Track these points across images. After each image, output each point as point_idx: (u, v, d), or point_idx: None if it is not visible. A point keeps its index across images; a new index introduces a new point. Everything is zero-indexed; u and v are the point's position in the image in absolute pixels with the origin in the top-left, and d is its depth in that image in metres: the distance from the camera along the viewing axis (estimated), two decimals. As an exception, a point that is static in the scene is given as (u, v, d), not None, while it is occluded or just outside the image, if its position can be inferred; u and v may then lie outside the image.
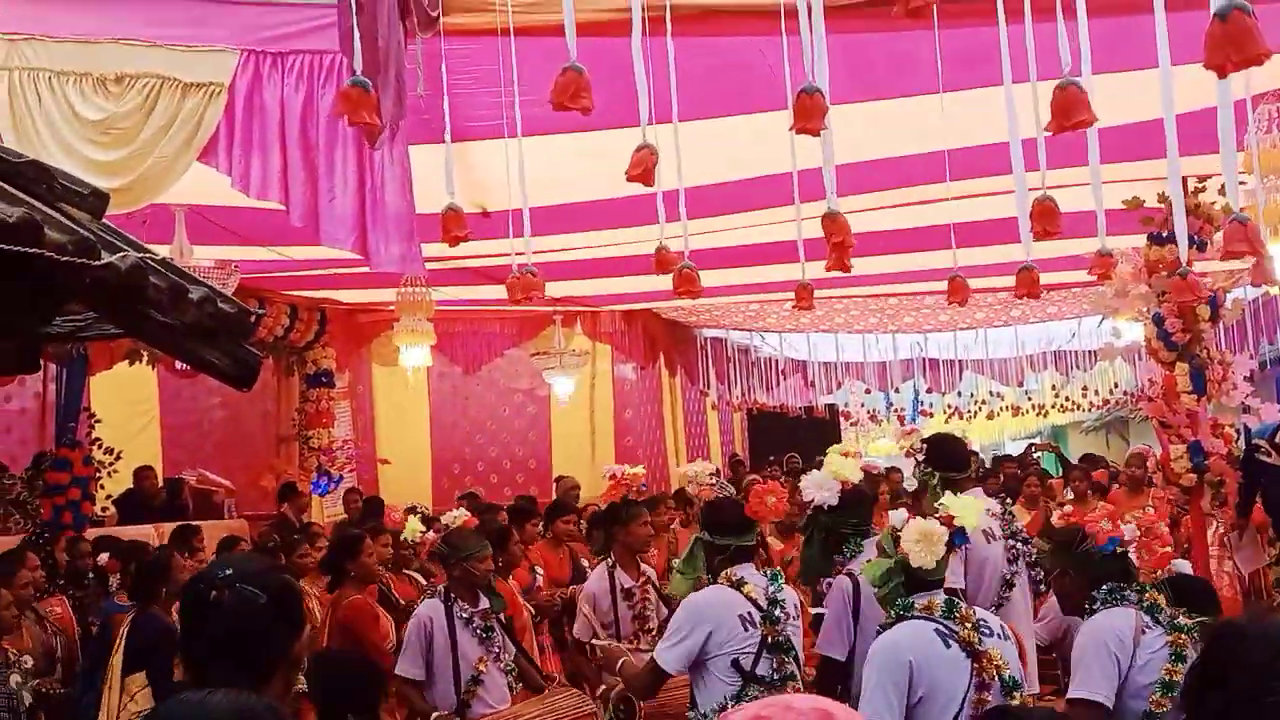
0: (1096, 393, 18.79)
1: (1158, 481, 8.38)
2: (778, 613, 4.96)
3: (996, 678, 3.98)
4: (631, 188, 4.87)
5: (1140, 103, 5.42)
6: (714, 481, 5.19)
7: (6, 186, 2.75)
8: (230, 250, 8.61)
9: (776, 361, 17.93)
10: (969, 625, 4.05)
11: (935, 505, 4.53)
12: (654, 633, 6.76)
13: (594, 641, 6.49)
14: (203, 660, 2.52)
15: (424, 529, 7.29)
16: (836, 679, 5.11)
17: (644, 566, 7.05)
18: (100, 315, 3.46)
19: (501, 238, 6.42)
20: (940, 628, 4.04)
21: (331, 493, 12.44)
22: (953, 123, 5.72)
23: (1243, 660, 1.80)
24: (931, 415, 19.65)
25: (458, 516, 6.57)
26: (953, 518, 4.23)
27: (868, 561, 4.49)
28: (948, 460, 6.04)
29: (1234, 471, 7.89)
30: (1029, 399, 19.05)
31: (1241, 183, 7.55)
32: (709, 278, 5.74)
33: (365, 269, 9.10)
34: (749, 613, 4.91)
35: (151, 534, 9.92)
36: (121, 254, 2.83)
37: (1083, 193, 5.99)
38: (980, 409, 19.11)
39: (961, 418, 19.08)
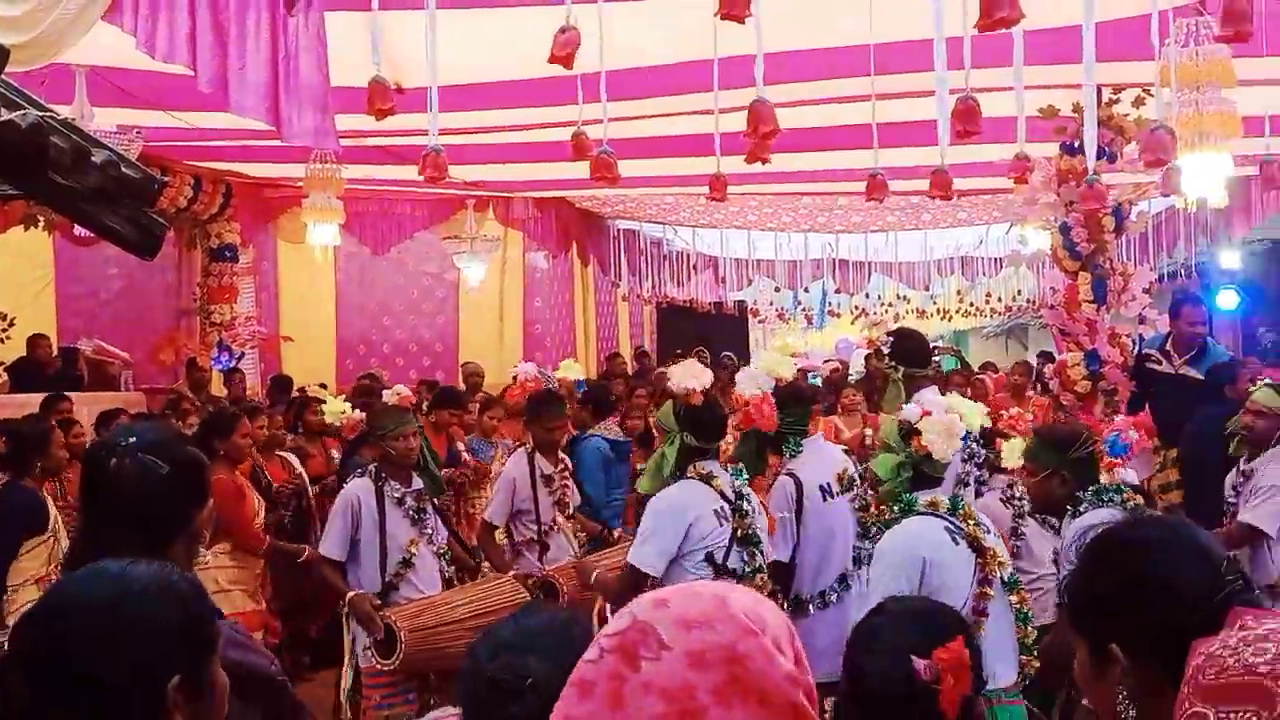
0: (1000, 299, 19.05)
1: (1054, 388, 8.58)
2: (745, 506, 4.97)
3: (998, 574, 4.01)
4: (552, 68, 4.78)
5: (1060, 7, 5.43)
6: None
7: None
8: (133, 114, 8.32)
9: (688, 256, 17.91)
10: (973, 522, 4.06)
11: (900, 403, 4.53)
12: (572, 517, 6.84)
13: (571, 561, 6.44)
14: (100, 528, 2.47)
15: (345, 409, 7.08)
16: (781, 579, 5.18)
17: (563, 456, 7.02)
18: (-3, 174, 3.33)
19: (417, 113, 6.28)
20: (949, 525, 4.05)
21: (233, 369, 12.26)
22: (879, 17, 5.68)
23: (1178, 569, 1.81)
24: (839, 316, 19.85)
25: (396, 392, 6.30)
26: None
27: (877, 455, 4.40)
28: (913, 356, 6.04)
29: (1127, 380, 8.10)
30: (934, 303, 19.30)
31: (1154, 95, 7.66)
32: (625, 168, 5.67)
33: (273, 141, 8.88)
34: (721, 507, 4.92)
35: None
36: (22, 111, 2.72)
37: (999, 99, 6.03)
38: (886, 311, 19.30)
39: (868, 319, 19.30)
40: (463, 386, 11.45)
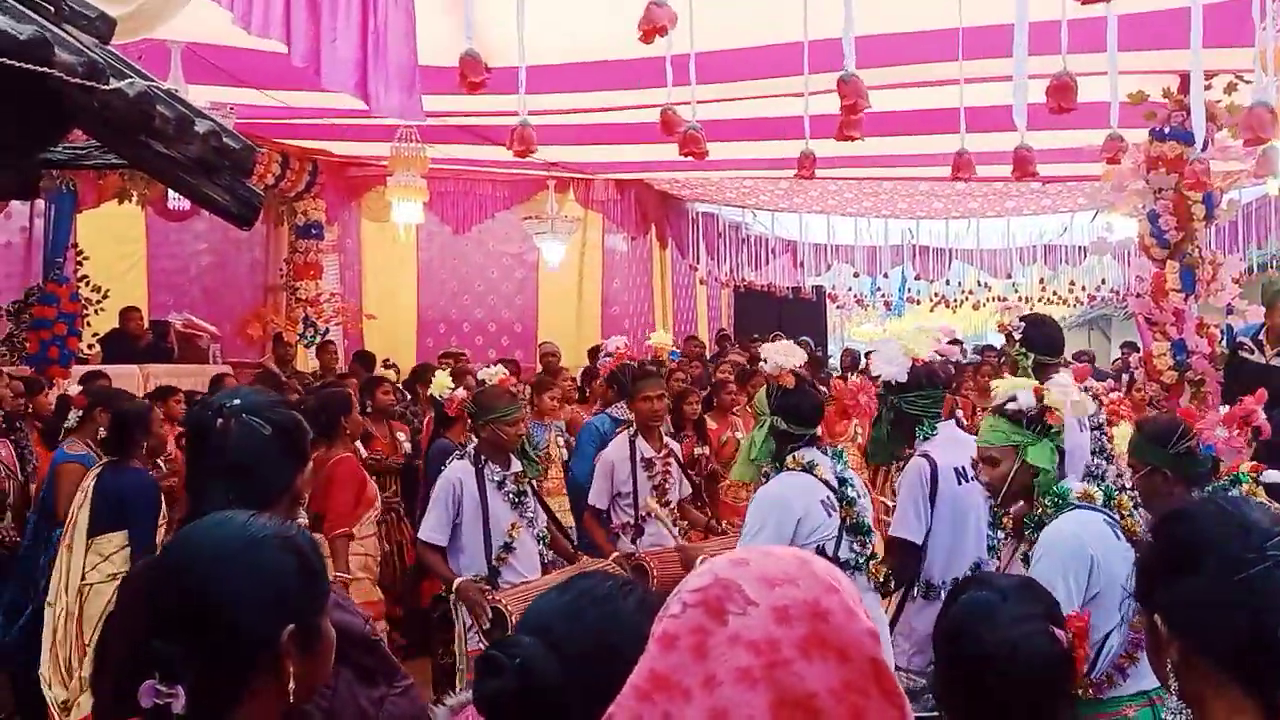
0: (1083, 288, 18.78)
1: (1139, 377, 8.46)
2: (850, 493, 4.84)
3: None
4: (639, 49, 4.81)
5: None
6: (800, 369, 4.97)
7: (15, 3, 2.70)
8: (225, 92, 8.48)
9: (767, 240, 17.88)
10: (1127, 513, 3.85)
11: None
12: (671, 505, 6.73)
13: (674, 545, 6.36)
14: (202, 487, 2.55)
15: (452, 385, 7.04)
16: (912, 562, 5.01)
17: (668, 440, 6.92)
18: (102, 144, 3.43)
19: (501, 94, 6.33)
20: (1107, 519, 3.84)
21: (326, 340, 12.47)
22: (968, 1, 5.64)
23: (1213, 542, 1.83)
24: (918, 303, 19.70)
25: (494, 374, 6.11)
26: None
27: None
28: (1044, 343, 5.79)
29: (1215, 371, 7.96)
30: (1016, 291, 19.05)
31: (1247, 81, 7.51)
32: (708, 150, 5.66)
33: (360, 120, 9.03)
34: (828, 497, 4.79)
35: (136, 374, 9.96)
36: (129, 80, 2.79)
37: (1088, 84, 5.95)
38: (967, 299, 19.12)
39: (948, 307, 19.13)
40: (539, 367, 11.52)
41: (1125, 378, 10.33)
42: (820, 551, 4.62)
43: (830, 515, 4.76)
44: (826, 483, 4.82)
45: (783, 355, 4.98)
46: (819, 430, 5.05)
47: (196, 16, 5.58)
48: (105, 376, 8.69)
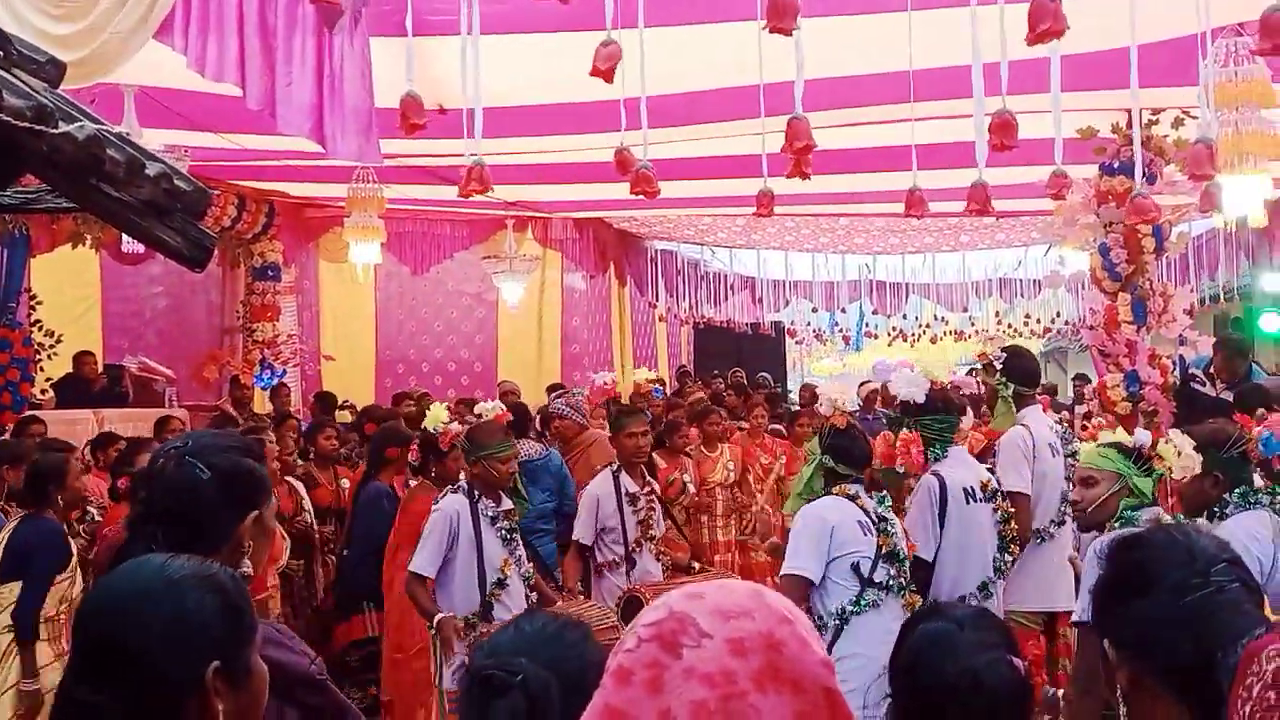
0: (1039, 321, 18.99)
1: (1094, 409, 8.54)
2: (889, 527, 4.93)
3: None
4: (594, 92, 4.85)
5: (1098, 31, 5.45)
6: (855, 411, 5.12)
7: (-38, 50, 2.69)
8: (180, 135, 8.46)
9: (725, 276, 17.97)
10: None
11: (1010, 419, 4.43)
12: (656, 540, 6.74)
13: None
14: (142, 528, 2.46)
15: (447, 419, 6.89)
16: (923, 579, 5.12)
17: (648, 477, 6.93)
18: (53, 187, 3.41)
19: (458, 137, 6.36)
20: None
21: (278, 384, 12.39)
22: (918, 43, 5.73)
23: (1161, 567, 1.88)
24: (876, 337, 19.83)
25: (490, 408, 6.03)
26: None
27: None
28: (1023, 374, 6.01)
29: (1168, 402, 8.06)
30: (972, 324, 19.23)
31: (1194, 116, 7.65)
32: (665, 188, 5.71)
33: (316, 162, 9.03)
34: (864, 519, 4.87)
35: (90, 419, 9.85)
36: (79, 124, 2.79)
37: (1037, 120, 6.04)
38: (924, 333, 19.28)
39: (905, 340, 19.28)
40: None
41: (1079, 409, 10.44)
42: (855, 569, 4.77)
43: (866, 535, 4.85)
44: (866, 510, 4.91)
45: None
46: (865, 474, 5.15)
47: (150, 61, 5.58)
48: (41, 422, 8.53)
